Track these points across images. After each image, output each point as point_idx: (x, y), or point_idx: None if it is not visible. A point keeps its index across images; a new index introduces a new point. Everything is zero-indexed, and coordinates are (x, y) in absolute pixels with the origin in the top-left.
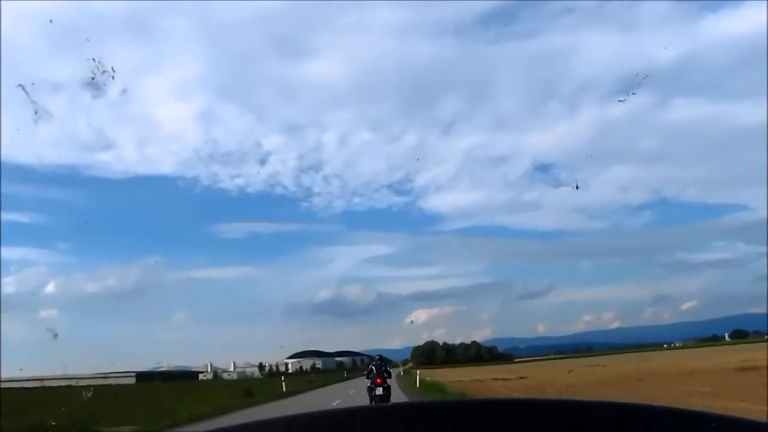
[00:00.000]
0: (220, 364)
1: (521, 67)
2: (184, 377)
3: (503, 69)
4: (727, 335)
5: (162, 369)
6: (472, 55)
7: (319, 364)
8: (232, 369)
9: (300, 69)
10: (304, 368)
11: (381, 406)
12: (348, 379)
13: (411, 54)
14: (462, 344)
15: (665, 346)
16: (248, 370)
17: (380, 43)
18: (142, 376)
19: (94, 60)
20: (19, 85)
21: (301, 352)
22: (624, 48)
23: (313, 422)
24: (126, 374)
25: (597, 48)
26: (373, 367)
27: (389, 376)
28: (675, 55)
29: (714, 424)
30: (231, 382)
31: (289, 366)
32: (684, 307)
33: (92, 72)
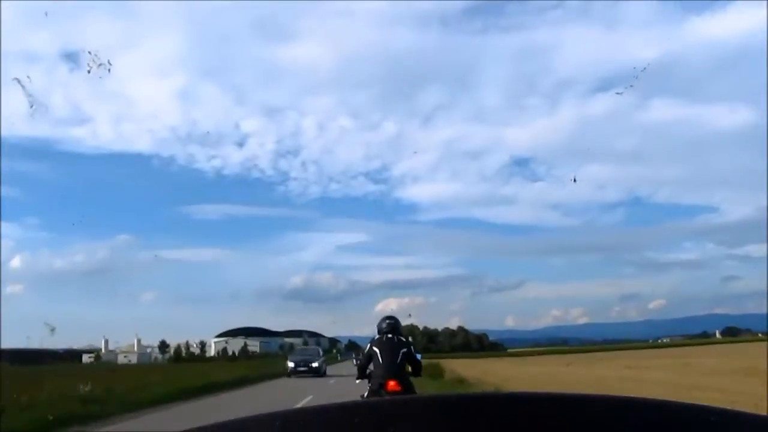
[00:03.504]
0: (148, 342)
1: (504, 60)
2: (54, 358)
3: (486, 62)
4: (718, 332)
5: (27, 347)
6: (456, 47)
7: (255, 346)
8: (135, 349)
9: (282, 52)
10: (231, 351)
11: (380, 401)
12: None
13: (394, 42)
14: (446, 330)
15: (651, 341)
16: (156, 352)
17: (364, 29)
18: None
19: (90, 53)
20: (15, 78)
21: (234, 330)
22: (607, 46)
23: (312, 417)
24: None
25: (580, 45)
26: (377, 350)
27: (418, 372)
28: (657, 55)
29: (713, 418)
30: (121, 367)
31: (211, 347)
32: (651, 305)
33: (88, 65)
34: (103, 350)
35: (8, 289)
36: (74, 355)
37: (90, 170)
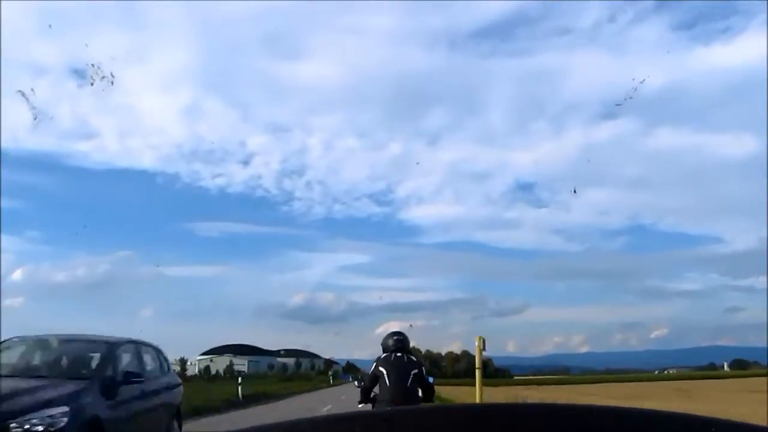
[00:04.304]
0: None
1: (512, 84)
2: None
3: (494, 85)
4: (726, 365)
5: None
6: (464, 69)
7: (242, 365)
8: None
9: (289, 70)
10: (215, 370)
11: (383, 411)
12: None
13: (403, 62)
14: (450, 354)
15: (657, 372)
16: None
17: (373, 49)
18: None
19: (93, 65)
20: (19, 91)
21: (222, 347)
22: (614, 72)
23: (312, 428)
24: None
25: (587, 70)
26: (384, 370)
27: (430, 397)
28: (663, 83)
29: (713, 429)
30: None
31: (195, 365)
32: (653, 335)
33: (91, 77)
34: None
35: (7, 302)
36: None
37: (94, 185)
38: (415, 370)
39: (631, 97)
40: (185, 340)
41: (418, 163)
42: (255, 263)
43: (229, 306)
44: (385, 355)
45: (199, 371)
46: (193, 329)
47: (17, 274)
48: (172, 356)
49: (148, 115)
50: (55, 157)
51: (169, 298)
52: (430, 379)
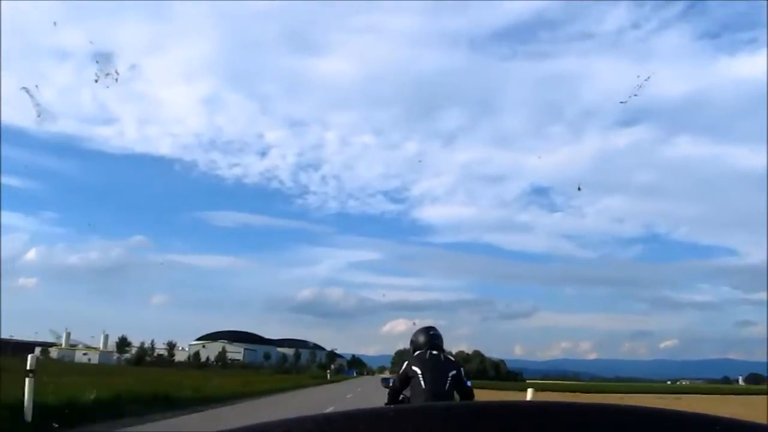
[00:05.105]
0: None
1: (530, 87)
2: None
3: (512, 87)
4: (741, 378)
5: None
6: (483, 70)
7: (238, 353)
8: (100, 346)
9: (310, 66)
10: (205, 358)
11: (389, 408)
12: None
13: (422, 62)
14: (461, 354)
15: (669, 383)
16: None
17: (393, 48)
18: None
19: (98, 62)
20: (23, 87)
21: (217, 333)
22: (636, 79)
23: (316, 426)
24: None
25: (608, 76)
26: (418, 370)
27: (468, 397)
28: (685, 92)
29: (717, 428)
30: (71, 366)
31: (185, 350)
32: (662, 345)
33: (96, 74)
34: (63, 345)
35: (20, 282)
36: (28, 348)
37: (112, 169)
38: (453, 371)
39: (636, 95)
40: (190, 327)
41: (420, 161)
42: (266, 255)
43: (239, 296)
44: (418, 352)
45: (189, 357)
46: (200, 317)
47: (31, 254)
48: (162, 341)
49: (169, 104)
50: (75, 140)
51: (179, 287)
52: (468, 383)
